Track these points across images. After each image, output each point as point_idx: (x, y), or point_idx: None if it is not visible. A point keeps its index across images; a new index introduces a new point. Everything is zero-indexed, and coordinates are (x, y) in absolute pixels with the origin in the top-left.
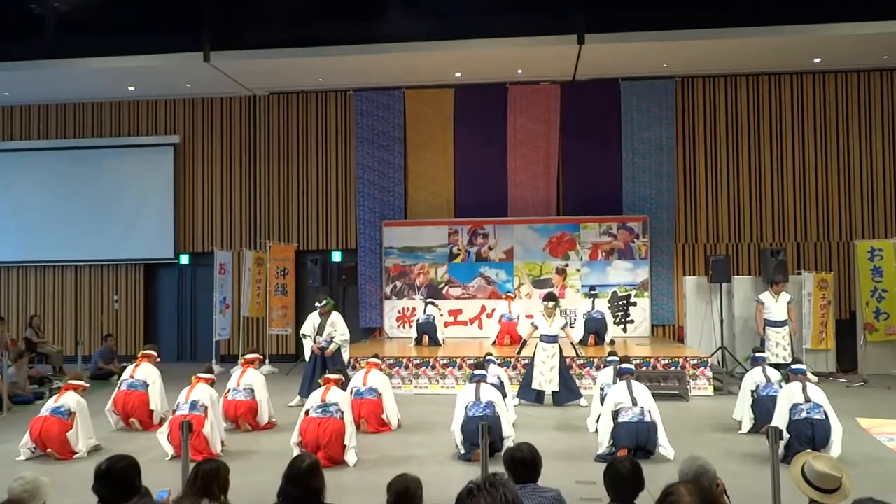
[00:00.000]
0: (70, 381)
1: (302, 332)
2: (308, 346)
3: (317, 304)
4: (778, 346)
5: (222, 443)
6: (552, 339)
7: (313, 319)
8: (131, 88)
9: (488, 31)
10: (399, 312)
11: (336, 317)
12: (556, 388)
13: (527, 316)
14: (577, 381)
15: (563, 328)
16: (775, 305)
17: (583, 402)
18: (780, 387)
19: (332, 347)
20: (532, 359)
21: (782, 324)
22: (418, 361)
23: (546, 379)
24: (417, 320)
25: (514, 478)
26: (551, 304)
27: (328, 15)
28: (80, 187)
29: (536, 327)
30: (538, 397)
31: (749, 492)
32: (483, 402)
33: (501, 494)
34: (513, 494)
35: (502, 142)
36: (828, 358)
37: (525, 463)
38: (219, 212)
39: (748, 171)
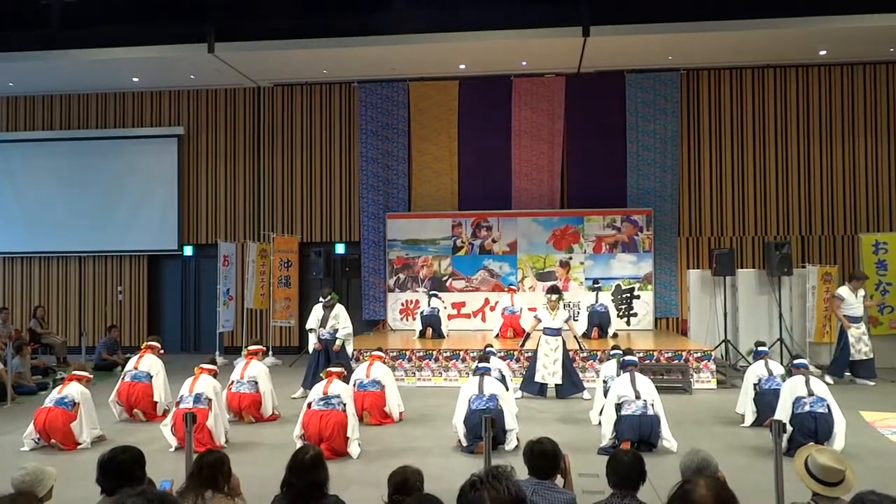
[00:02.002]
0: (74, 372)
1: (308, 326)
2: (314, 340)
3: (321, 298)
4: (860, 341)
5: (226, 435)
6: (555, 332)
7: (317, 312)
8: (136, 79)
9: (493, 22)
10: (402, 305)
11: (339, 309)
12: (560, 381)
13: (529, 308)
14: (581, 374)
15: (566, 321)
16: (855, 301)
17: (586, 395)
18: (783, 380)
19: (338, 343)
20: (535, 352)
21: (861, 319)
22: (421, 354)
23: (549, 372)
24: (422, 313)
25: (533, 471)
26: (555, 296)
27: (333, 6)
28: (85, 178)
29: (540, 320)
30: (541, 390)
31: (752, 485)
32: (486, 394)
33: (504, 487)
34: (516, 488)
35: (506, 134)
36: (831, 351)
37: (545, 455)
38: (223, 203)
39: (753, 163)
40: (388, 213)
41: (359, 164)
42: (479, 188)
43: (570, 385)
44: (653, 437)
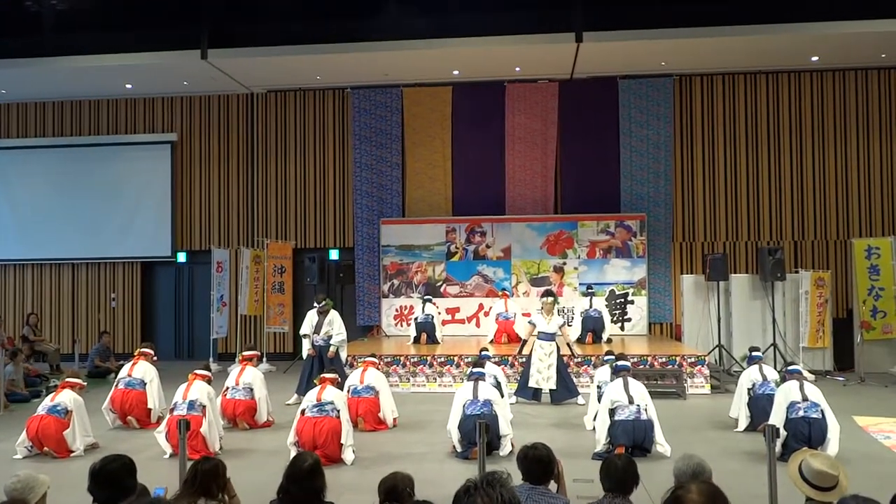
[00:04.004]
0: (67, 379)
1: (302, 332)
2: (307, 346)
3: (315, 304)
4: None
5: (220, 441)
6: (550, 337)
7: (311, 318)
8: (129, 86)
9: (486, 28)
10: (397, 310)
11: (334, 315)
12: (554, 387)
13: (523, 314)
14: (575, 380)
15: (560, 327)
16: None
17: (580, 400)
18: (777, 385)
19: (332, 350)
20: (529, 357)
21: None
22: (416, 359)
23: (543, 377)
24: (416, 319)
25: (527, 476)
26: (549, 299)
27: (326, 12)
28: (78, 185)
29: (535, 325)
30: (535, 395)
31: (746, 490)
32: (481, 400)
33: (498, 494)
34: (510, 493)
35: (500, 140)
36: (825, 356)
37: (540, 461)
38: (216, 210)
39: (746, 169)
40: (382, 219)
41: (352, 170)
42: (472, 194)
43: (565, 390)
44: (646, 443)
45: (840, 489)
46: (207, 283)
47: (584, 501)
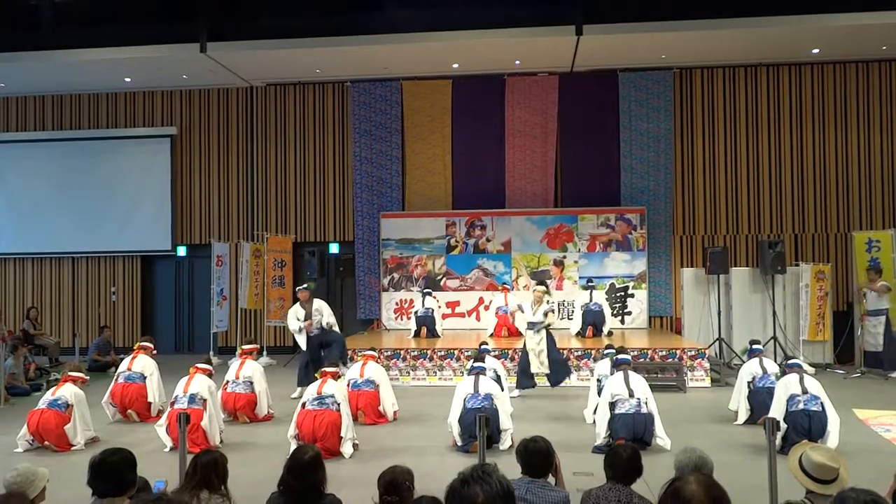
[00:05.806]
0: (69, 373)
1: (292, 328)
2: (303, 340)
3: (302, 287)
4: None
5: (221, 435)
6: (534, 327)
7: (297, 311)
8: (128, 80)
9: (486, 21)
10: (397, 304)
11: (320, 304)
12: (549, 371)
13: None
14: (575, 373)
15: (545, 314)
16: None
17: (573, 378)
18: (777, 379)
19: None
20: (524, 348)
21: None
22: (416, 353)
23: (540, 361)
24: (416, 313)
25: (527, 470)
26: (541, 288)
27: (325, 5)
28: (77, 179)
29: (522, 310)
30: (533, 379)
31: (746, 483)
32: (482, 394)
33: (496, 482)
34: (506, 482)
35: (500, 133)
36: (825, 349)
37: (540, 454)
38: (216, 203)
39: (746, 162)
40: (381, 213)
41: (352, 164)
42: (472, 187)
43: (558, 372)
44: (646, 436)
45: (840, 482)
46: (207, 276)
47: (585, 490)
